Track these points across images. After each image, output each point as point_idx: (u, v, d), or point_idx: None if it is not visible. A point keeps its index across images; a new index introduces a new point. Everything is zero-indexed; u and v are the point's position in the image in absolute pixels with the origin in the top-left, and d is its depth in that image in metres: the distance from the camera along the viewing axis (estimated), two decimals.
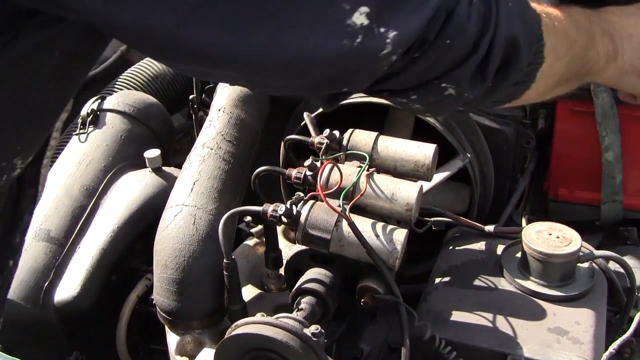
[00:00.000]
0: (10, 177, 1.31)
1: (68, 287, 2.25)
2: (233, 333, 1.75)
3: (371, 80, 1.30)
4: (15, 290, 2.19)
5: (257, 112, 2.44)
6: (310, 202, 1.96)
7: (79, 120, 2.64)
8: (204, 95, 2.88)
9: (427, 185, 2.32)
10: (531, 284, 2.09)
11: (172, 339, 2.11)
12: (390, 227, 1.91)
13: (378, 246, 1.88)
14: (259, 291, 2.28)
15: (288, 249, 2.36)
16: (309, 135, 2.35)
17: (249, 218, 2.63)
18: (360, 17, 1.12)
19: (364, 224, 1.91)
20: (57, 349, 2.31)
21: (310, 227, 1.91)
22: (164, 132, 2.79)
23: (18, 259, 1.59)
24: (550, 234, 2.10)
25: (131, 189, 2.46)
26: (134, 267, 2.39)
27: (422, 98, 1.40)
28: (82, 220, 2.37)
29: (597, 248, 2.48)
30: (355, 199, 1.95)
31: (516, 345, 1.89)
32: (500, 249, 2.26)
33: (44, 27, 1.12)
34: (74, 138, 2.63)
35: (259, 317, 1.76)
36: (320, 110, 2.47)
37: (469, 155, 2.39)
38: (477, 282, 2.15)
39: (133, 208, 2.39)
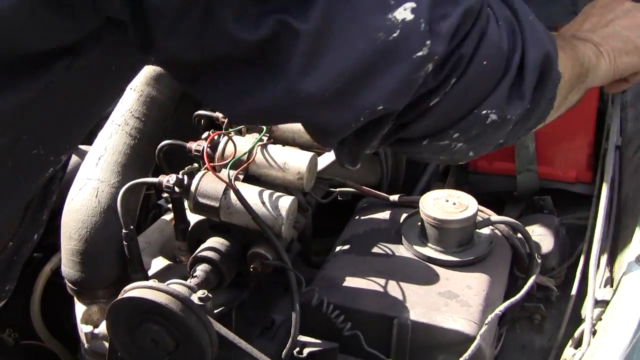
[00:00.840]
0: (55, 169, 1.46)
1: None
2: (120, 297, 1.81)
3: (408, 96, 1.21)
4: None
5: (170, 90, 2.49)
6: (202, 172, 2.01)
7: None
8: None
9: (330, 157, 2.38)
10: (428, 250, 2.15)
11: (79, 309, 2.17)
12: (277, 194, 1.97)
13: (264, 213, 1.94)
14: (168, 262, 2.34)
15: None
16: None
17: (166, 195, 2.69)
18: (403, 12, 1.09)
19: (251, 192, 1.97)
20: None
21: (200, 195, 1.97)
22: None
23: (41, 232, 1.79)
24: (447, 201, 2.16)
25: None
26: (50, 243, 2.44)
27: (465, 132, 1.34)
28: None
29: (517, 218, 2.56)
30: (241, 167, 2.01)
31: (403, 309, 1.95)
32: (403, 216, 2.32)
33: (108, 38, 1.17)
34: None
35: (147, 282, 1.82)
36: None
37: None
38: (375, 250, 2.21)
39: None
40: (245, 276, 2.14)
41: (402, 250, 2.19)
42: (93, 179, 2.16)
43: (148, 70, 2.51)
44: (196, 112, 2.39)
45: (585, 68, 1.59)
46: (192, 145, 2.14)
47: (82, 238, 2.09)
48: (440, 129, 1.33)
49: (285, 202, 1.95)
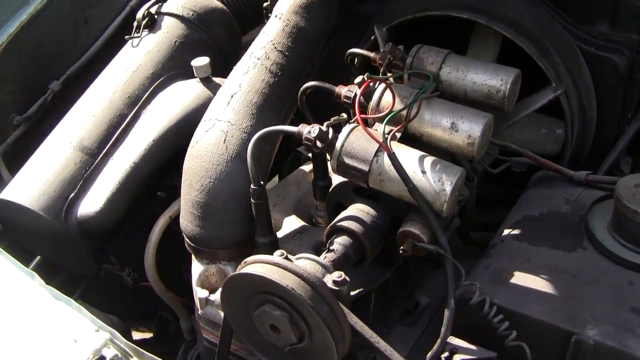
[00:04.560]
0: None
1: (93, 202, 2.06)
2: (238, 271, 1.50)
3: None
4: (37, 200, 2.03)
5: (321, 22, 2.11)
6: (351, 126, 1.64)
7: (134, 24, 2.42)
8: None
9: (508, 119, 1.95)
10: (621, 250, 1.70)
11: (196, 269, 1.88)
12: (442, 163, 1.58)
13: (424, 185, 1.55)
14: (303, 224, 2.01)
15: None
16: None
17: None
18: None
19: (410, 157, 1.59)
20: (81, 261, 2.15)
21: (346, 155, 1.61)
22: (227, 40, 2.49)
23: None
24: None
25: (175, 99, 2.21)
26: (174, 184, 2.17)
27: None
28: (119, 131, 2.16)
29: None
30: (400, 126, 1.62)
31: (585, 324, 1.53)
32: (590, 199, 1.87)
33: None
34: (127, 43, 2.42)
35: (273, 256, 1.50)
36: (396, 21, 2.12)
37: (563, 86, 1.98)
38: (553, 240, 1.78)
39: (173, 120, 2.15)
40: (392, 254, 1.78)
41: (586, 244, 1.76)
42: (222, 120, 1.84)
43: None
44: (349, 50, 2.01)
45: None
46: (342, 90, 1.78)
47: (204, 189, 1.78)
48: None
49: (452, 174, 1.55)
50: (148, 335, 2.96)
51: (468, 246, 2.09)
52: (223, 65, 2.38)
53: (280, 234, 1.97)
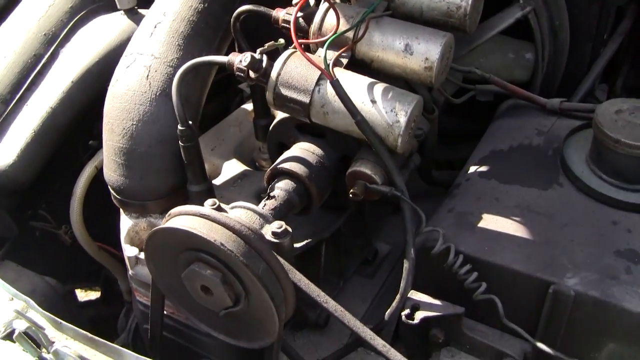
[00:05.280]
0: None
1: (5, 154, 1.81)
2: (162, 226, 1.27)
3: None
4: None
5: None
6: (288, 52, 1.41)
7: None
8: None
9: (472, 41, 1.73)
10: (601, 185, 1.51)
11: (124, 224, 1.66)
12: (396, 90, 1.36)
13: (374, 116, 1.33)
14: (244, 168, 1.79)
15: None
16: None
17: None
18: None
19: (358, 84, 1.37)
20: None
21: (283, 85, 1.38)
22: None
23: None
24: (634, 114, 1.50)
25: (97, 35, 1.95)
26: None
27: None
28: (34, 73, 1.89)
29: None
30: (345, 48, 1.39)
31: (564, 272, 1.35)
32: (565, 130, 1.67)
33: None
34: None
35: (203, 206, 1.28)
36: None
37: (532, 2, 1.75)
38: (525, 176, 1.58)
39: (95, 59, 1.89)
40: (342, 198, 1.57)
41: (562, 180, 1.56)
42: (145, 53, 1.59)
43: None
44: None
45: None
46: (279, 14, 1.54)
47: (126, 133, 1.55)
48: None
49: (407, 103, 1.33)
50: (96, 295, 2.76)
51: (431, 187, 1.89)
52: None
53: (218, 181, 1.75)
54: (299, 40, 1.37)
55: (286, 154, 1.50)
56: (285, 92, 1.38)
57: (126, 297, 2.16)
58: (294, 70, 1.37)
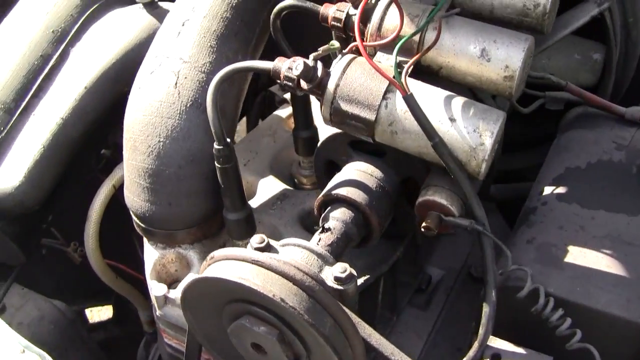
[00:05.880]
0: None
1: (10, 174, 1.58)
2: (205, 275, 1.07)
3: None
4: None
5: None
6: (347, 57, 1.20)
7: None
8: None
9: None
10: None
11: (150, 256, 1.45)
12: (477, 106, 1.16)
13: (454, 138, 1.13)
14: (283, 187, 1.58)
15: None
16: None
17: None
18: None
19: (433, 98, 1.16)
20: (5, 251, 1.70)
21: (343, 99, 1.17)
22: None
23: None
24: None
25: (112, 32, 1.73)
26: (118, 142, 1.71)
27: None
28: (41, 77, 1.66)
29: None
30: (418, 55, 1.18)
31: None
32: None
33: None
34: None
35: (249, 249, 1.07)
36: None
37: None
38: (610, 199, 1.38)
39: (111, 60, 1.67)
40: (400, 224, 1.37)
41: None
42: (172, 56, 1.38)
43: None
44: None
45: None
46: (329, 11, 1.33)
47: (152, 151, 1.34)
48: None
49: (493, 122, 1.13)
50: (107, 314, 2.56)
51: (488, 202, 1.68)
52: None
53: (254, 202, 1.55)
54: (359, 42, 1.16)
55: (340, 177, 1.29)
56: (345, 107, 1.17)
57: (146, 328, 1.96)
58: (357, 80, 1.17)
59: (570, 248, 1.28)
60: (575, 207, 1.37)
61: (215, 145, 1.28)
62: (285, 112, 1.80)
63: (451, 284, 1.64)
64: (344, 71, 1.18)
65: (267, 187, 1.59)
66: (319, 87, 1.19)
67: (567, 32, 1.54)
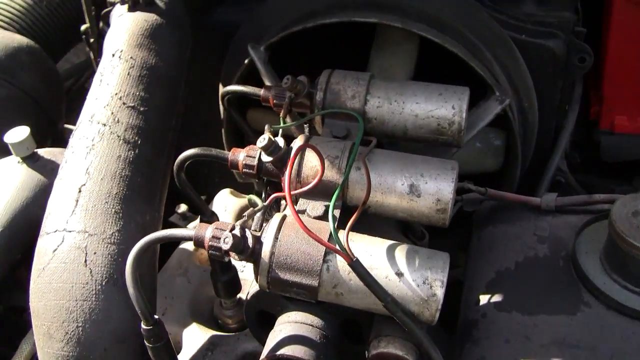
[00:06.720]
0: None
1: None
2: None
3: None
4: None
5: (175, 52, 1.55)
6: (276, 220, 1.13)
7: None
8: (101, 24, 1.96)
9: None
10: (629, 298, 1.32)
11: None
12: (420, 252, 1.11)
13: (403, 292, 1.08)
14: (210, 333, 1.48)
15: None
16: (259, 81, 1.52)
17: (184, 205, 1.82)
18: None
19: (373, 251, 1.10)
20: None
21: (280, 267, 1.10)
22: (44, 88, 1.83)
23: None
24: None
25: None
26: (14, 305, 1.54)
27: None
28: None
29: None
30: (358, 211, 1.13)
31: None
32: (566, 230, 1.48)
33: None
34: None
35: None
36: (277, 36, 1.58)
37: (509, 94, 1.56)
38: (546, 300, 1.37)
39: None
40: None
41: (588, 298, 1.37)
42: (74, 230, 1.26)
43: (136, 22, 1.57)
44: (226, 89, 1.49)
45: None
46: (239, 157, 1.25)
47: (71, 338, 1.21)
48: None
49: (439, 270, 1.09)
50: None
51: None
52: (46, 125, 1.75)
53: (183, 358, 1.43)
54: (290, 207, 1.09)
55: (279, 333, 1.21)
56: (284, 275, 1.09)
57: None
58: (292, 246, 1.10)
59: None
60: (516, 316, 1.35)
61: (144, 326, 1.17)
62: (190, 245, 1.70)
63: None
64: (276, 237, 1.10)
65: (193, 338, 1.48)
66: (252, 257, 1.11)
67: (474, 133, 1.54)
